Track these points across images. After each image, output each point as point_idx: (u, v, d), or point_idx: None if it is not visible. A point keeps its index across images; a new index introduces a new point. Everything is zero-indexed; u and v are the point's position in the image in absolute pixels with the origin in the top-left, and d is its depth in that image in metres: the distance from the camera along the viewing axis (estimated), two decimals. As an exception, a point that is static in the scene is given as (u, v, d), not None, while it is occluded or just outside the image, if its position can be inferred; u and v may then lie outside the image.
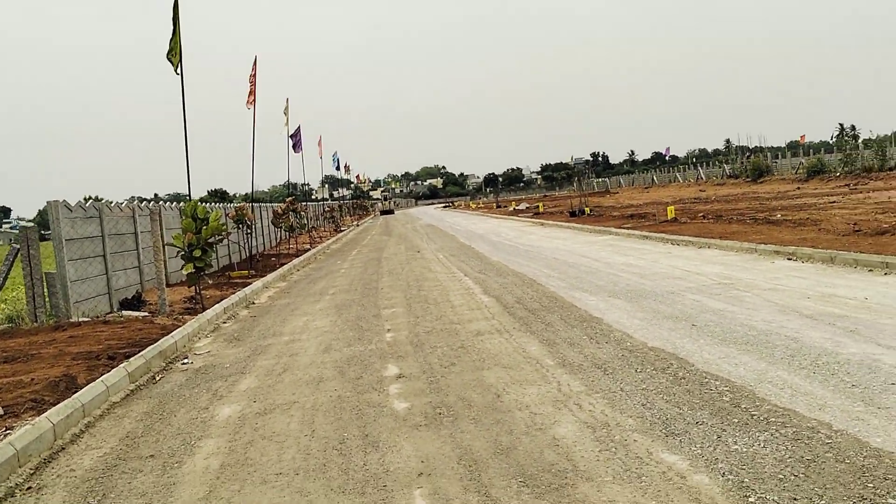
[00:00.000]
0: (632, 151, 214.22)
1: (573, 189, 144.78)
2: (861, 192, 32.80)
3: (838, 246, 13.81)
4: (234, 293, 15.88)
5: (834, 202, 27.81)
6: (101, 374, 8.40)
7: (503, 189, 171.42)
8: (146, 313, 14.11)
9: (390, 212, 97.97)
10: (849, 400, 5.33)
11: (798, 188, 43.25)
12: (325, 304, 13.89)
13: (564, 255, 18.66)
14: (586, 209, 37.36)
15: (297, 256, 26.15)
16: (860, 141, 55.38)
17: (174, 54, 16.55)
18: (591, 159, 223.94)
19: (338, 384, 7.53)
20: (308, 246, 32.09)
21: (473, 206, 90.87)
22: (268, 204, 34.02)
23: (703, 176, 74.17)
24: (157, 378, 8.85)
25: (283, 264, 23.02)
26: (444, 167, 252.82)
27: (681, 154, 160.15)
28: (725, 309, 9.39)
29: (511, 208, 60.20)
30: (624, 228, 25.35)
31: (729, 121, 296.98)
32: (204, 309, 13.90)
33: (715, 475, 4.33)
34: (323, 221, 52.11)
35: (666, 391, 6.03)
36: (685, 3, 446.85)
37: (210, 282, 18.74)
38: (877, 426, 4.79)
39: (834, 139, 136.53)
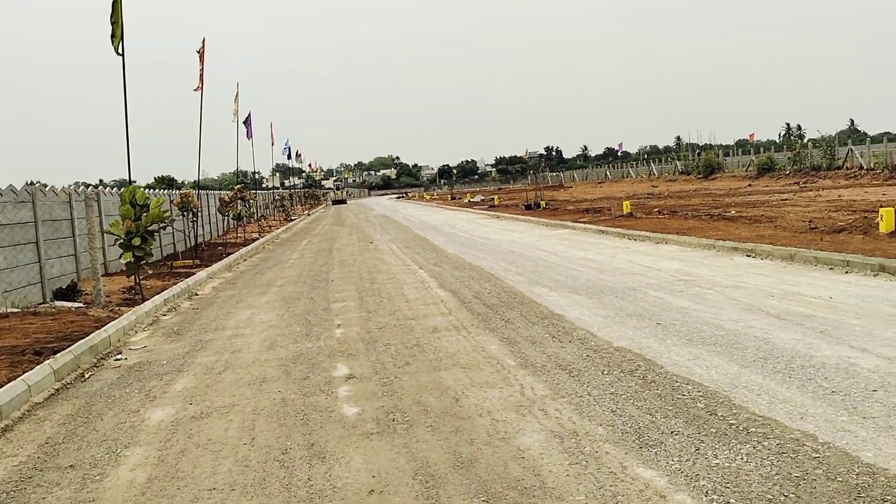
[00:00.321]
0: (585, 147, 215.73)
1: (528, 182, 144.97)
2: (811, 191, 33.16)
3: (797, 243, 13.66)
4: (176, 283, 15.15)
5: (786, 200, 27.99)
6: (24, 372, 7.72)
7: (457, 181, 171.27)
8: (81, 304, 13.32)
9: (343, 202, 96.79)
10: (831, 408, 4.98)
11: (749, 185, 43.69)
12: (272, 296, 13.27)
13: (522, 249, 18.29)
14: (542, 202, 37.15)
15: (245, 246, 25.36)
16: (808, 140, 56.16)
17: (116, 35, 15.68)
18: (545, 153, 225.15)
19: (282, 385, 6.99)
20: (257, 235, 31.24)
21: (428, 197, 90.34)
22: (215, 191, 33.05)
23: (655, 172, 74.79)
24: (87, 376, 8.19)
25: (229, 254, 22.25)
26: (397, 158, 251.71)
27: (632, 150, 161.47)
28: (689, 307, 9.07)
29: (466, 200, 59.84)
30: (580, 222, 25.12)
31: (680, 118, 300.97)
32: (143, 300, 13.18)
33: (698, 494, 3.91)
34: (273, 210, 51.09)
35: (636, 396, 5.63)
36: (638, 1, 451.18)
37: (151, 272, 17.93)
38: (865, 438, 4.43)
39: (781, 138, 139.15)
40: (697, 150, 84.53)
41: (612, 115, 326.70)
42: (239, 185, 29.24)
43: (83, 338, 9.36)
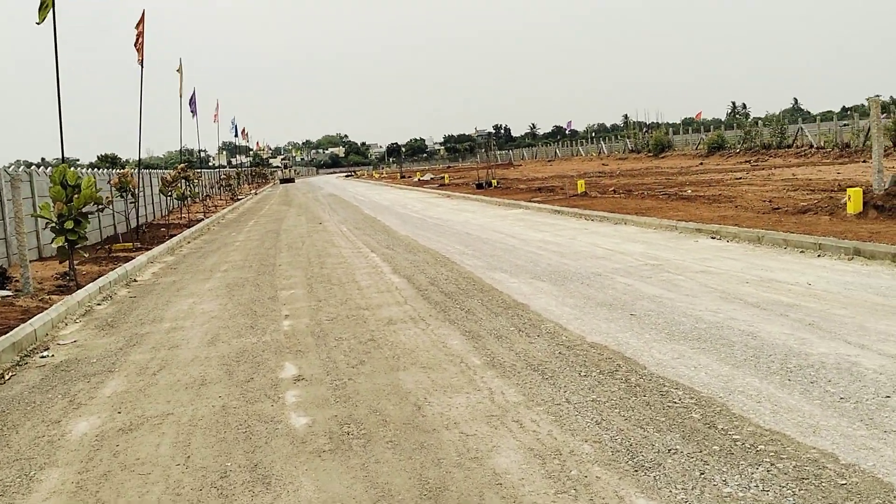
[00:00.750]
0: (533, 125, 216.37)
1: (476, 161, 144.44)
2: (763, 169, 33.21)
3: (762, 225, 13.30)
4: (114, 269, 14.19)
5: (740, 178, 27.89)
6: (-71, 376, 6.85)
7: (406, 159, 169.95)
8: (9, 292, 12.30)
9: (291, 180, 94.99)
10: (845, 419, 4.44)
11: (701, 164, 43.77)
12: (216, 282, 12.44)
13: (476, 230, 17.69)
14: (493, 181, 36.58)
15: (189, 227, 24.28)
16: (756, 118, 56.61)
17: (45, 6, 14.50)
18: (494, 132, 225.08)
19: (223, 389, 6.26)
20: (201, 216, 30.08)
21: (377, 175, 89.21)
22: (157, 171, 31.70)
23: (605, 150, 74.90)
24: (6, 377, 7.33)
25: (172, 236, 21.21)
26: (346, 136, 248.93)
27: (580, 129, 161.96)
28: (662, 295, 8.55)
29: (416, 179, 59.03)
30: (534, 202, 24.61)
31: (627, 97, 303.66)
32: (77, 287, 12.24)
33: (710, 533, 3.34)
34: (219, 190, 49.63)
35: (621, 403, 5.05)
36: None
37: (87, 256, 16.86)
38: (893, 459, 3.90)
39: (727, 116, 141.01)
40: (645, 129, 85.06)
41: (560, 94, 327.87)
42: (182, 164, 28.02)
43: (6, 332, 8.47)
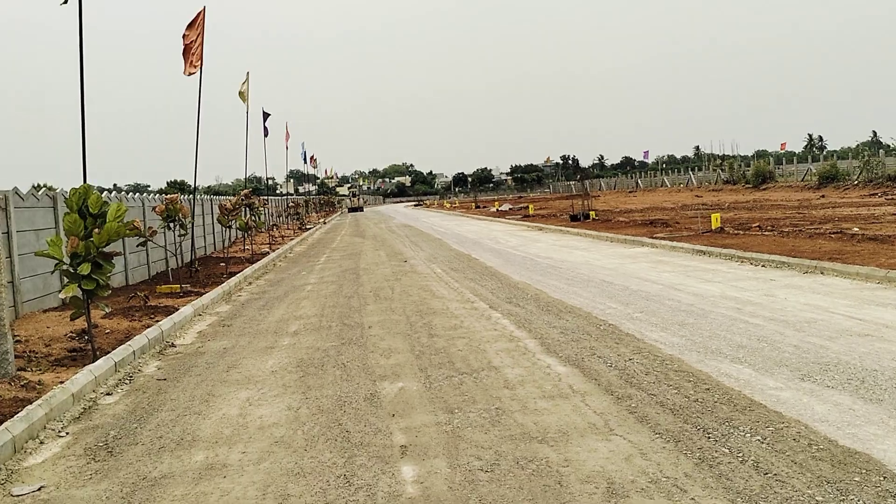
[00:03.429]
0: (601, 155, 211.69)
1: (546, 191, 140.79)
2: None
3: None
4: (150, 325, 10.65)
5: (900, 213, 23.24)
6: None
7: (472, 189, 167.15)
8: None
9: (359, 209, 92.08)
10: None
11: (823, 196, 38.85)
12: (283, 357, 8.67)
13: (612, 276, 13.66)
14: (591, 213, 32.48)
15: (252, 263, 20.78)
16: (838, 149, 51.19)
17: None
18: (562, 162, 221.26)
19: None
20: (267, 248, 26.69)
21: (448, 205, 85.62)
22: (215, 196, 28.54)
23: (694, 181, 69.87)
24: None
25: (231, 274, 17.71)
26: (412, 165, 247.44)
27: (649, 160, 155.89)
28: None
29: (494, 209, 55.19)
30: (658, 239, 20.46)
31: (694, 129, 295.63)
32: (95, 357, 8.69)
33: None
34: (286, 219, 46.63)
35: None
36: (652, 8, 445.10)
37: (123, 300, 13.44)
38: None
39: (804, 149, 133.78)
40: (717, 160, 79.62)
41: (626, 126, 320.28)
42: (246, 190, 24.71)
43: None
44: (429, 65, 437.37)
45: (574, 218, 32.60)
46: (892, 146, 55.40)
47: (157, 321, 11.07)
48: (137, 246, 15.44)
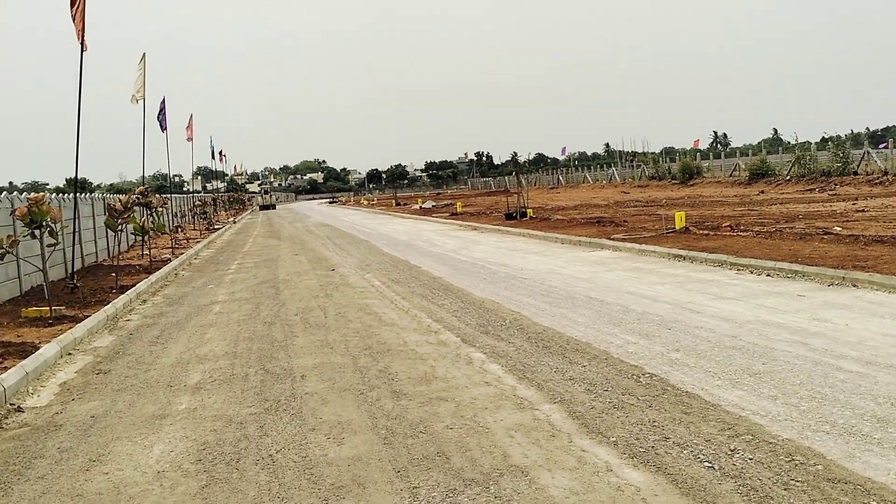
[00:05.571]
0: (515, 152, 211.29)
1: (463, 187, 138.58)
2: (847, 200, 27.17)
3: None
4: (-10, 376, 7.51)
5: (862, 210, 21.66)
6: None
7: (387, 186, 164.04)
8: None
9: (271, 206, 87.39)
10: None
11: (761, 192, 37.62)
12: (176, 442, 5.71)
13: (596, 291, 11.18)
14: (528, 211, 30.12)
15: (150, 273, 17.39)
16: (740, 146, 50.79)
17: None
18: (476, 158, 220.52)
19: None
20: (169, 254, 23.17)
21: (365, 202, 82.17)
22: (99, 195, 24.73)
23: (617, 177, 68.73)
24: None
25: (123, 288, 14.42)
26: (324, 161, 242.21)
27: (560, 157, 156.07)
28: None
29: (417, 206, 52.37)
30: (617, 240, 18.16)
31: (603, 127, 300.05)
32: None
33: None
34: (192, 218, 42.70)
35: None
36: (570, 8, 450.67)
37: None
38: None
39: (709, 146, 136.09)
40: (629, 157, 79.02)
41: (536, 124, 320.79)
42: (141, 188, 21.17)
43: None
44: (345, 65, 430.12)
45: (510, 216, 30.20)
46: (792, 143, 55.62)
47: (4, 368, 7.91)
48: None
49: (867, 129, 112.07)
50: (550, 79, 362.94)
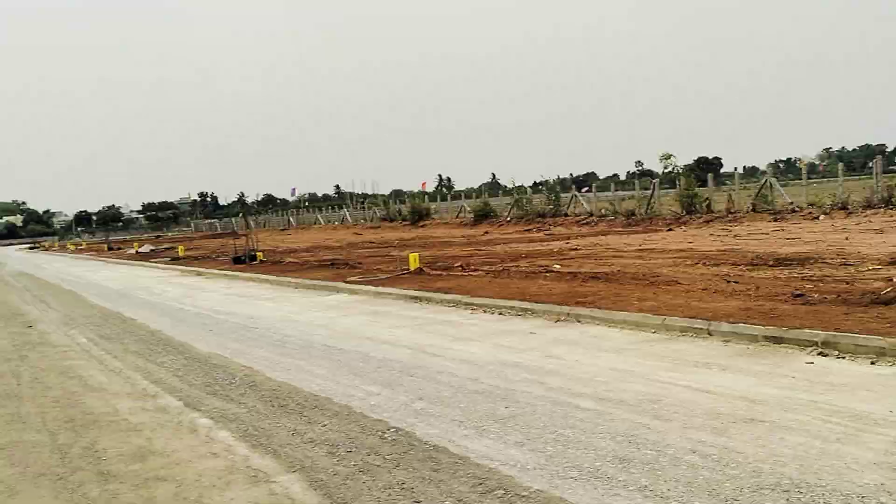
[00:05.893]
0: (242, 193, 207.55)
1: (187, 230, 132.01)
2: (560, 239, 29.48)
3: (845, 324, 8.15)
4: None
5: (576, 249, 23.41)
6: None
7: (99, 229, 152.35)
8: None
9: (-43, 254, 76.87)
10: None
11: (486, 232, 39.56)
12: None
13: (334, 339, 10.67)
14: (259, 254, 28.99)
15: None
16: (514, 186, 54.58)
17: None
18: (200, 199, 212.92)
19: None
20: None
21: (72, 247, 75.01)
22: None
23: (349, 218, 69.31)
24: None
25: None
26: (24, 203, 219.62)
27: (290, 198, 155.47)
28: None
29: (134, 251, 48.65)
30: (352, 282, 17.89)
31: (331, 170, 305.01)
32: None
33: None
34: None
35: None
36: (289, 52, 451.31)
37: None
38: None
39: (434, 189, 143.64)
40: (361, 199, 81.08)
41: (258, 165, 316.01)
42: None
43: None
44: (45, 79, 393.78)
45: (238, 260, 28.85)
46: (509, 186, 60.30)
47: None
48: None
49: (571, 174, 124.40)
50: (280, 124, 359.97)
